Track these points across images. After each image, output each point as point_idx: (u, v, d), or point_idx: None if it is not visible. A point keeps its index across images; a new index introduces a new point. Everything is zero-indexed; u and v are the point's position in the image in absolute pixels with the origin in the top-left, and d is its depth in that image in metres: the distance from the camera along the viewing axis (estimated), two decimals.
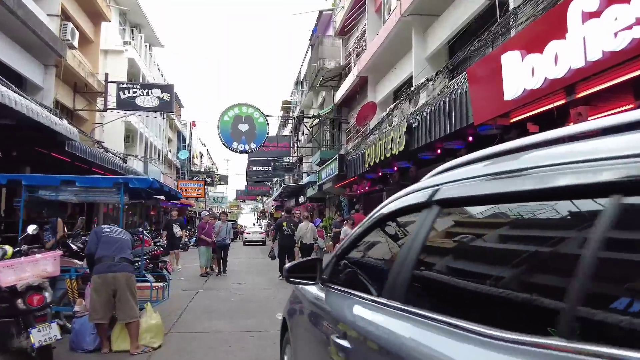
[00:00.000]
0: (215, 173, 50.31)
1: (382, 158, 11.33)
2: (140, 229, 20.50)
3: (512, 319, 1.17)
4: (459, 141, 9.27)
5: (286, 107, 37.74)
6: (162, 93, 17.86)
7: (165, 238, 14.33)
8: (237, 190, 59.57)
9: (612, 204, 0.97)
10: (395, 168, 12.70)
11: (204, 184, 36.59)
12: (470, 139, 8.78)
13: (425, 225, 1.68)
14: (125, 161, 23.67)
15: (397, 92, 15.40)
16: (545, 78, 5.38)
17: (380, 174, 14.09)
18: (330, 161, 16.86)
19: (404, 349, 1.48)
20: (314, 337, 2.53)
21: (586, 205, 1.09)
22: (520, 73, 5.80)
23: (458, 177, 1.59)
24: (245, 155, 35.83)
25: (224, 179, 53.16)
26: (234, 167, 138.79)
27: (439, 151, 10.21)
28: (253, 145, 19.02)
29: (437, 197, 1.66)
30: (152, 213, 30.99)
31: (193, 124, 48.28)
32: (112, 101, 18.62)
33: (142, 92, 17.68)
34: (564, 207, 1.17)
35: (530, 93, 5.78)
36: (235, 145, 18.85)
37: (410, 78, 13.41)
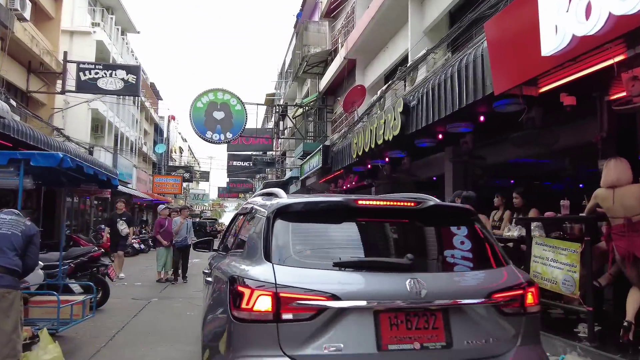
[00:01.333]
0: (195, 169, 48.29)
1: (373, 146, 9.73)
2: (102, 226, 18.65)
3: (227, 249, 3.89)
4: (465, 123, 7.70)
5: (270, 99, 36.00)
6: (127, 75, 16.01)
7: (107, 236, 12.11)
8: (218, 188, 57.51)
9: (248, 217, 3.51)
10: (387, 159, 11.11)
11: (181, 179, 34.63)
12: (482, 118, 7.22)
13: (235, 222, 4.30)
14: (91, 152, 21.81)
15: (389, 77, 13.83)
16: (610, 15, 3.80)
17: (369, 166, 12.50)
18: (313, 153, 15.24)
19: (216, 265, 3.68)
20: (206, 278, 4.22)
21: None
22: (568, 15, 4.22)
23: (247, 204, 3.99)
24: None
25: (204, 176, 51.22)
26: (218, 165, 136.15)
27: (440, 136, 8.64)
28: (229, 135, 17.26)
29: (240, 211, 4.35)
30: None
31: (172, 118, 46.28)
32: (73, 84, 16.75)
33: (104, 73, 15.82)
34: (247, 216, 3.53)
35: (580, 42, 4.20)
36: (209, 134, 17.08)
37: (405, 58, 11.85)
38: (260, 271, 2.44)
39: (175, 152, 50.12)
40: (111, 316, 7.06)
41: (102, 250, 7.71)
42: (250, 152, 31.12)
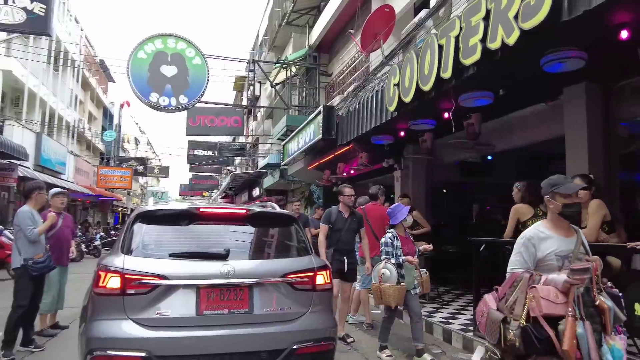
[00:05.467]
0: (150, 162, 42.58)
1: (448, 75, 5.05)
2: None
3: None
4: None
5: (239, 83, 30.98)
6: (32, 2, 10.90)
7: None
8: (180, 185, 51.82)
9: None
10: (447, 114, 6.44)
11: (131, 172, 29.10)
12: None
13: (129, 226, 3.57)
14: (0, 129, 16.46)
15: (420, 7, 9.26)
16: None
17: (402, 133, 7.86)
18: (308, 121, 10.49)
19: None
20: None
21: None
22: None
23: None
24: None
25: (164, 171, 45.53)
26: (182, 161, 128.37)
27: (625, 35, 4.07)
28: (184, 100, 12.26)
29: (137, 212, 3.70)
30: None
31: (127, 103, 40.58)
32: None
33: None
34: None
35: None
36: (154, 97, 12.03)
37: None
38: (115, 260, 3.19)
39: (127, 142, 44.23)
40: None
41: None
42: (215, 140, 26.07)
